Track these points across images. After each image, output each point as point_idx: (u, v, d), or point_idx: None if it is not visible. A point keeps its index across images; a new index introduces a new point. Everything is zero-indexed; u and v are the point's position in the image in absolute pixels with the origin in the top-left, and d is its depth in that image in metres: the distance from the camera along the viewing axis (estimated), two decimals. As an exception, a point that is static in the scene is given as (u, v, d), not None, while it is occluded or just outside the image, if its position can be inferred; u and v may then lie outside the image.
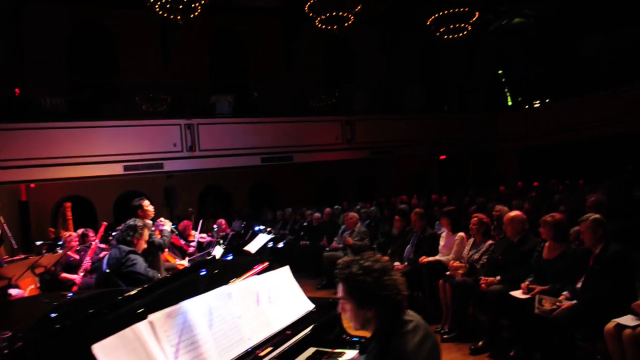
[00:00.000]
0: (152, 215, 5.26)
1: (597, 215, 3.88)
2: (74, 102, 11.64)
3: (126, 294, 2.69)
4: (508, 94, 17.74)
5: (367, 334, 1.99)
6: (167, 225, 5.26)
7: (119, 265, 3.98)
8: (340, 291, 1.91)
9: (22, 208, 12.03)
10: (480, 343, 4.63)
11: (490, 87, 17.84)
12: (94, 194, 13.14)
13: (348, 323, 2.09)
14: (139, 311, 2.36)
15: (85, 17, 13.22)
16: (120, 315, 2.44)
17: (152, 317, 1.96)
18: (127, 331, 1.85)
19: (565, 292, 3.94)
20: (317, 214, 10.04)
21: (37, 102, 10.99)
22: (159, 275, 4.27)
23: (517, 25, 17.32)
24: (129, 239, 4.15)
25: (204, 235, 8.44)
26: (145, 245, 4.30)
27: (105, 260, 4.20)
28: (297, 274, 3.09)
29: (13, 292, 5.07)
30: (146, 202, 5.24)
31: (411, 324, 1.87)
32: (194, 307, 2.16)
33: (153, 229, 5.08)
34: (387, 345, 1.80)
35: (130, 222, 4.30)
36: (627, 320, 3.28)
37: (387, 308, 1.84)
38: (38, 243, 7.32)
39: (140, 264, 4.04)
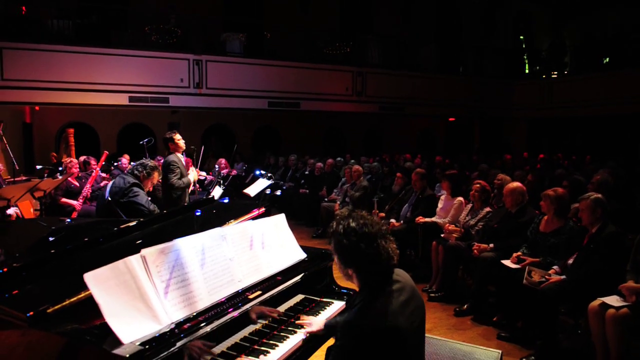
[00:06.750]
0: (184, 148, 5.31)
1: (598, 195, 3.85)
2: (82, 26, 11.33)
3: (122, 226, 2.72)
4: (527, 61, 17.26)
5: (355, 286, 2.01)
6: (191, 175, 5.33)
7: (121, 194, 4.02)
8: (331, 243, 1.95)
9: (26, 130, 12.02)
10: (466, 306, 4.75)
11: (510, 52, 17.34)
12: (98, 123, 13.07)
13: (338, 274, 2.11)
14: (133, 244, 2.40)
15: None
16: (114, 247, 2.49)
17: (144, 251, 1.97)
18: (119, 263, 1.86)
19: (555, 267, 3.98)
20: (320, 164, 10.04)
21: (44, 23, 10.69)
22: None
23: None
24: (136, 173, 4.21)
25: (203, 173, 8.47)
26: (150, 188, 4.37)
27: (108, 188, 4.22)
28: (294, 221, 3.12)
29: (10, 211, 5.15)
30: (178, 136, 5.27)
31: (397, 284, 1.87)
32: (188, 245, 2.17)
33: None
34: (370, 302, 1.81)
35: (144, 160, 4.42)
36: (612, 300, 3.33)
37: (366, 270, 1.86)
38: (39, 167, 7.35)
39: (142, 196, 4.09)
